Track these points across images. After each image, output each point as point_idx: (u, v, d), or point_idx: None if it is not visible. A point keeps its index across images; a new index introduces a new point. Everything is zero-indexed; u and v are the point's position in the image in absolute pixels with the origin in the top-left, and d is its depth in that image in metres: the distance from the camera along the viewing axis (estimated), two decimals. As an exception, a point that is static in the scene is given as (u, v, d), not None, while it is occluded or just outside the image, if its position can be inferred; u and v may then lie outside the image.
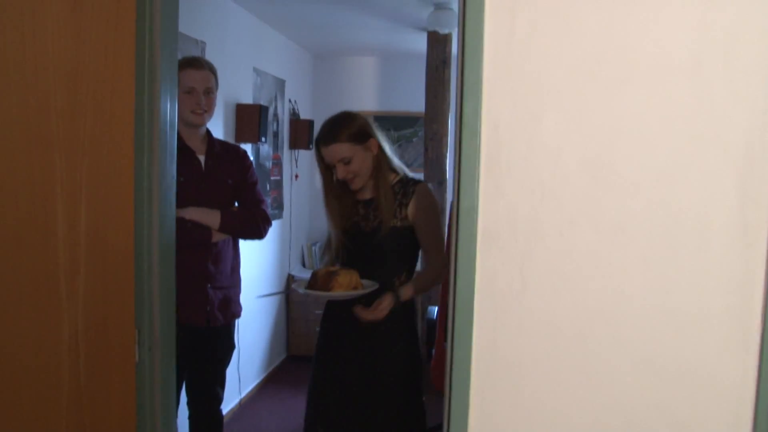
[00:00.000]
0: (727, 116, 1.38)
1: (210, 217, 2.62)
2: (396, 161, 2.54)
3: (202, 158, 2.68)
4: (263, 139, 4.28)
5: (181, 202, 2.40)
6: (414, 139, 5.87)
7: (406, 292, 2.41)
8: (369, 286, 2.38)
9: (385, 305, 2.33)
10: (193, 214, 2.59)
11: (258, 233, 2.80)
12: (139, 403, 1.79)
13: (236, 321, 2.88)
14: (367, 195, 2.51)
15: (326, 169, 2.51)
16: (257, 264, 4.56)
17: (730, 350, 1.41)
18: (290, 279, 5.44)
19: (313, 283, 2.39)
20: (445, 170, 4.65)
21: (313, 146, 2.56)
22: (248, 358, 4.56)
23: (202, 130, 2.72)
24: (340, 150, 2.40)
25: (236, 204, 2.80)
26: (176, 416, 2.02)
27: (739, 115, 1.37)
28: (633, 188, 1.42)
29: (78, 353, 1.66)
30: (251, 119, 4.22)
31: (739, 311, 1.40)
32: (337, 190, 2.52)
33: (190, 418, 2.85)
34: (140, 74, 1.71)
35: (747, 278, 1.39)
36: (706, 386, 1.43)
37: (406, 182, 2.49)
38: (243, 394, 4.50)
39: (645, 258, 1.43)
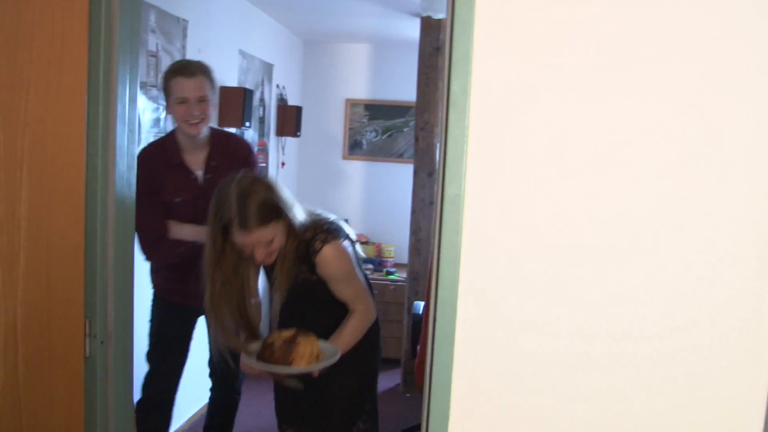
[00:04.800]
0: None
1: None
2: (299, 217, 2.07)
3: (199, 173, 2.58)
4: (247, 123, 4.11)
5: (178, 219, 2.54)
6: (405, 129, 5.72)
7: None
8: (329, 352, 2.06)
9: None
10: (189, 233, 2.51)
11: None
12: (88, 402, 1.64)
13: None
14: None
15: (223, 250, 2.04)
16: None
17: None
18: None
19: (269, 355, 2.00)
20: (436, 161, 4.50)
21: (214, 222, 2.02)
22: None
23: (203, 136, 2.60)
24: (264, 234, 1.97)
25: None
26: (132, 415, 1.86)
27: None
28: (637, 181, 1.28)
29: (16, 347, 1.50)
30: (235, 103, 4.06)
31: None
32: (234, 264, 2.08)
33: (210, 399, 2.94)
34: (95, 40, 1.55)
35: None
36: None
37: (307, 245, 2.06)
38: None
39: (651, 263, 1.29)
